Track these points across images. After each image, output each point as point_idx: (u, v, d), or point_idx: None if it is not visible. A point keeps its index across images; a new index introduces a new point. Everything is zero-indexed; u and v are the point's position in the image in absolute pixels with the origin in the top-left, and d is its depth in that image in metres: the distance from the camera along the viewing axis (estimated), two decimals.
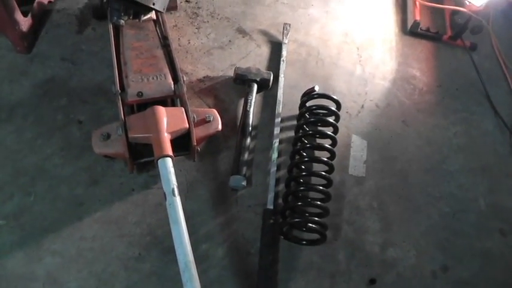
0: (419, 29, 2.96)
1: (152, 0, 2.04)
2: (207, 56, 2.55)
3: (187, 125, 1.93)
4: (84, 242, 1.88)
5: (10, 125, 2.14)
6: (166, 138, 1.85)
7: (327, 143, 2.12)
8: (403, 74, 2.75)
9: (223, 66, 2.52)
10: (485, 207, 2.31)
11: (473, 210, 2.29)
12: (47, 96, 2.26)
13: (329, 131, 2.18)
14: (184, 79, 2.08)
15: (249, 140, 2.21)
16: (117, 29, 2.26)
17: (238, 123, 2.28)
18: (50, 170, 2.04)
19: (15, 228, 1.87)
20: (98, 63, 2.40)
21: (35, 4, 2.48)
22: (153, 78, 2.04)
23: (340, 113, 2.22)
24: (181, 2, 2.75)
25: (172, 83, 2.04)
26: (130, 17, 2.24)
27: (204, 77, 2.45)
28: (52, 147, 2.10)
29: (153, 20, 2.36)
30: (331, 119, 2.19)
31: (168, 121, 1.89)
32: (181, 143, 1.97)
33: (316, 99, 2.24)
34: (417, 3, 3.09)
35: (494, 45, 3.03)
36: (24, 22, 2.37)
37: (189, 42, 2.59)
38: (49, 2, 2.60)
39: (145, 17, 2.29)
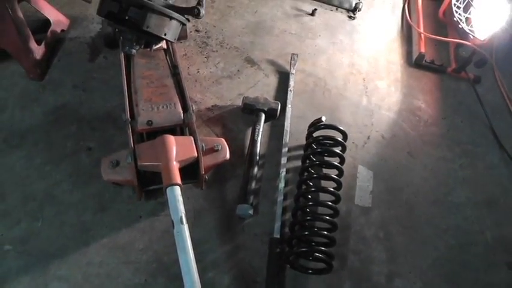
0: (424, 61, 3.01)
1: (164, 31, 2.09)
2: (215, 85, 2.59)
3: (196, 154, 1.95)
4: (91, 267, 1.88)
5: (20, 151, 2.17)
6: (175, 167, 1.87)
7: (333, 173, 2.14)
8: (409, 105, 2.78)
9: (231, 96, 2.56)
10: (492, 240, 2.31)
11: (479, 243, 2.29)
12: (58, 122, 2.29)
13: (335, 161, 2.20)
14: (194, 108, 2.12)
15: (256, 169, 2.23)
16: (128, 58, 2.31)
17: (245, 152, 2.30)
18: (58, 196, 2.05)
19: (22, 253, 1.88)
20: (108, 91, 2.44)
21: (48, 33, 2.54)
22: (163, 107, 2.07)
23: (346, 143, 2.25)
24: (191, 32, 2.80)
25: (181, 112, 2.07)
26: (142, 46, 2.29)
27: (212, 106, 2.49)
28: (61, 173, 2.13)
29: (164, 49, 2.41)
30: (337, 150, 2.21)
31: (177, 150, 1.91)
32: (190, 170, 1.99)
33: (323, 130, 2.27)
34: (422, 35, 3.14)
35: (498, 79, 3.07)
36: (38, 50, 2.43)
37: (198, 71, 2.63)
38: (62, 30, 2.66)
39: (157, 47, 2.34)
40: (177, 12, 2.16)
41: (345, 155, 2.21)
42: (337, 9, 3.28)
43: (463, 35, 3.05)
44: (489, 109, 2.85)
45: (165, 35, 2.10)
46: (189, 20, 2.21)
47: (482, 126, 2.79)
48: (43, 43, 2.48)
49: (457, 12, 3.03)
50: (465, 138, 2.70)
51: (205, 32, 2.85)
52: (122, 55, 2.27)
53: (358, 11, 3.28)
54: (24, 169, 2.12)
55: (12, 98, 2.38)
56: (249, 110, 2.44)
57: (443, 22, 3.36)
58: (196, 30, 2.84)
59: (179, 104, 2.11)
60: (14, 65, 2.46)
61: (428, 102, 2.83)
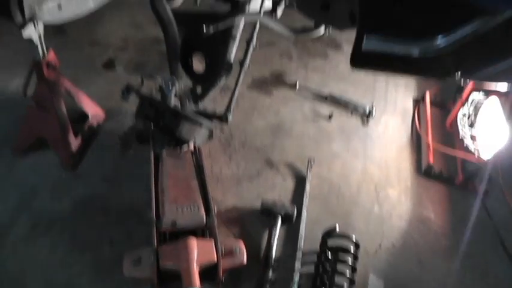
0: (432, 172, 3.13)
1: (194, 136, 2.26)
2: (236, 185, 2.73)
3: (215, 259, 2.04)
4: None
5: (46, 239, 2.28)
6: (196, 270, 1.95)
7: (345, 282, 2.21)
8: (419, 215, 2.88)
9: (251, 197, 2.69)
10: None
11: None
12: (85, 213, 2.41)
13: (347, 270, 2.27)
14: (215, 209, 2.23)
15: (270, 272, 2.30)
16: (157, 156, 2.46)
17: (261, 254, 2.39)
18: (78, 287, 2.12)
19: None
20: (136, 185, 2.57)
21: (86, 126, 2.73)
22: (187, 209, 2.19)
23: (358, 250, 2.33)
24: (213, 129, 2.98)
25: (204, 214, 2.18)
26: (171, 147, 2.45)
27: (232, 206, 2.61)
28: (83, 264, 2.21)
29: (191, 150, 2.57)
30: (349, 259, 2.29)
31: (198, 253, 2.00)
32: (208, 270, 2.07)
33: (336, 238, 2.36)
34: (430, 146, 3.29)
35: (506, 194, 3.17)
36: (75, 142, 2.60)
37: (221, 171, 2.78)
38: (98, 123, 2.84)
39: (185, 148, 2.50)
40: (206, 117, 2.35)
41: (356, 263, 2.29)
42: (352, 113, 3.47)
43: (469, 149, 3.19)
44: (499, 222, 2.93)
45: (195, 140, 2.26)
46: (221, 129, 2.38)
47: (492, 239, 2.86)
48: (80, 135, 2.66)
49: (462, 130, 3.19)
50: (475, 251, 2.76)
51: (229, 132, 3.04)
52: (152, 153, 2.43)
53: (372, 117, 3.47)
54: (48, 258, 2.21)
55: (45, 185, 2.53)
56: (267, 213, 2.55)
57: (450, 132, 3.52)
58: (221, 130, 3.02)
59: (202, 207, 2.22)
60: (50, 154, 2.63)
61: (438, 213, 2.93)
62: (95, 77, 3.35)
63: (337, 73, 3.83)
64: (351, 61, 1.54)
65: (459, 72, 1.53)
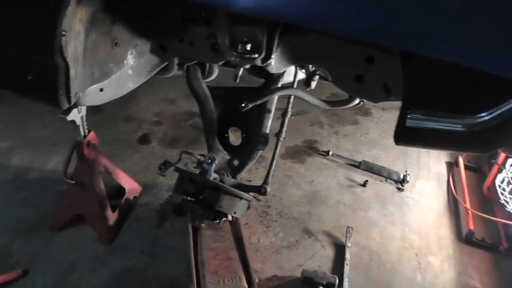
0: (474, 238, 3.03)
1: (234, 210, 2.26)
2: (275, 255, 2.69)
3: None
4: None
5: None
6: None
7: None
8: (464, 285, 2.76)
9: (290, 266, 2.63)
10: None
11: None
12: (123, 287, 2.38)
13: None
14: (257, 280, 2.19)
15: None
16: (195, 228, 2.46)
17: None
18: None
19: None
20: (173, 257, 2.56)
21: (123, 200, 2.76)
22: (228, 281, 2.16)
23: None
24: (252, 201, 2.98)
25: (246, 285, 2.15)
26: (210, 220, 2.45)
27: (272, 276, 2.56)
28: None
29: (229, 221, 2.57)
30: None
31: None
32: None
33: None
34: (469, 211, 3.21)
35: None
36: (112, 217, 2.63)
37: (259, 241, 2.76)
38: (134, 197, 2.88)
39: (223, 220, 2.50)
40: (244, 190, 2.36)
41: None
42: (386, 180, 3.45)
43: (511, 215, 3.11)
44: None
45: (234, 213, 2.27)
46: (258, 200, 2.39)
47: None
48: (117, 210, 2.69)
49: (502, 194, 3.13)
50: None
51: (266, 201, 3.04)
52: (190, 226, 2.43)
53: (406, 182, 3.43)
54: None
55: (83, 260, 2.53)
56: (308, 283, 2.48)
57: (488, 197, 3.45)
58: (257, 200, 3.02)
59: (244, 278, 2.20)
60: (87, 228, 2.65)
61: (485, 283, 2.80)
62: (130, 152, 3.43)
63: (368, 139, 3.86)
64: (394, 138, 1.54)
65: (505, 146, 1.52)
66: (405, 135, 1.52)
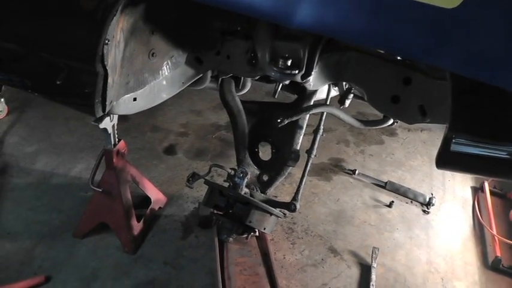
0: (501, 266, 2.96)
1: (264, 225, 2.25)
2: (300, 272, 2.66)
3: None
4: None
5: None
6: None
7: None
8: None
9: (315, 285, 2.60)
10: None
11: None
12: None
13: None
14: None
15: None
16: (221, 241, 2.44)
17: None
18: None
19: None
20: (197, 270, 2.54)
21: (148, 211, 2.75)
22: None
23: None
24: (281, 218, 2.95)
25: None
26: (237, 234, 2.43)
27: None
28: None
29: (256, 236, 2.54)
30: None
31: None
32: None
33: None
34: (496, 238, 3.14)
35: None
36: (137, 226, 2.62)
37: (284, 257, 2.72)
38: (159, 208, 2.87)
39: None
40: (274, 206, 2.34)
41: None
42: (412, 202, 3.40)
43: None
44: None
45: (264, 229, 2.25)
46: (285, 215, 2.36)
47: None
48: (142, 220, 2.68)
49: None
50: None
51: (291, 218, 3.00)
52: (216, 240, 2.41)
53: (432, 205, 3.38)
54: None
55: (105, 268, 2.52)
56: None
57: None
58: (285, 216, 2.99)
59: None
60: (111, 237, 2.65)
61: None
62: (156, 162, 3.43)
63: (393, 160, 3.82)
64: (436, 161, 1.52)
65: None
66: (448, 160, 1.50)
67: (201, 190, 2.91)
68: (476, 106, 1.40)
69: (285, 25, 1.32)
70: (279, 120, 2.13)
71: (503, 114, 1.39)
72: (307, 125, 2.45)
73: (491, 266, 3.00)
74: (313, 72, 1.87)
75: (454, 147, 1.45)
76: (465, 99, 1.40)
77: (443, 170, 1.58)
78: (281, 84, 2.09)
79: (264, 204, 2.21)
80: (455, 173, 3.74)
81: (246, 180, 2.24)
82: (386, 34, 1.22)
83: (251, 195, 2.31)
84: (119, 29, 1.61)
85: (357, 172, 3.54)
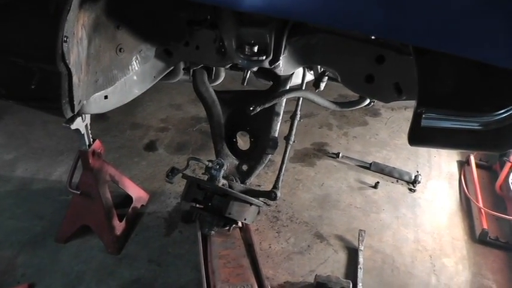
0: (488, 238, 2.96)
1: (244, 216, 2.22)
2: (287, 260, 2.64)
3: None
4: None
5: None
6: None
7: None
8: (479, 286, 2.69)
9: (303, 272, 2.58)
10: None
11: None
12: None
13: None
14: (269, 287, 2.14)
15: None
16: (205, 236, 2.41)
17: None
18: None
19: None
20: (183, 265, 2.51)
21: (130, 209, 2.72)
22: None
23: None
24: (262, 207, 2.93)
25: None
26: (219, 227, 2.40)
27: (284, 282, 2.51)
28: None
29: (239, 227, 2.51)
30: None
31: None
32: None
33: None
34: (482, 210, 3.14)
35: None
36: (119, 226, 2.59)
37: (270, 247, 2.70)
38: (142, 205, 2.84)
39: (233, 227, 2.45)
40: (254, 196, 2.31)
41: None
42: (397, 181, 3.39)
43: None
44: None
45: (245, 219, 2.22)
46: (268, 205, 2.33)
47: None
48: (124, 219, 2.64)
49: None
50: None
51: (276, 206, 2.98)
52: (199, 234, 2.38)
53: (418, 183, 3.37)
54: None
55: (90, 271, 2.49)
56: None
57: (501, 195, 3.38)
58: (267, 204, 2.96)
59: (256, 285, 2.14)
60: (94, 239, 2.62)
61: (500, 283, 2.72)
62: (137, 160, 3.38)
63: (378, 140, 3.80)
64: (408, 139, 1.50)
65: None
66: (420, 136, 1.48)
67: (183, 185, 2.85)
68: (442, 78, 1.37)
69: (234, 8, 1.28)
70: (251, 108, 2.09)
71: (470, 85, 1.36)
72: (286, 111, 2.42)
73: (479, 239, 3.00)
74: (281, 57, 1.84)
75: (425, 123, 1.42)
76: (430, 72, 1.37)
77: (417, 146, 1.56)
78: (252, 72, 2.06)
79: (242, 195, 2.17)
80: (443, 149, 3.74)
81: (222, 171, 2.21)
82: (339, 11, 1.18)
83: (230, 186, 2.27)
84: (79, 26, 1.56)
85: (340, 155, 3.51)
